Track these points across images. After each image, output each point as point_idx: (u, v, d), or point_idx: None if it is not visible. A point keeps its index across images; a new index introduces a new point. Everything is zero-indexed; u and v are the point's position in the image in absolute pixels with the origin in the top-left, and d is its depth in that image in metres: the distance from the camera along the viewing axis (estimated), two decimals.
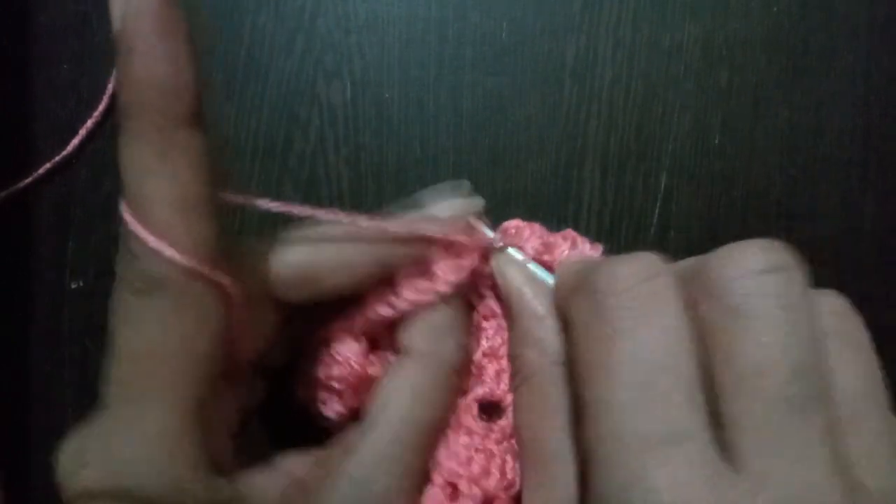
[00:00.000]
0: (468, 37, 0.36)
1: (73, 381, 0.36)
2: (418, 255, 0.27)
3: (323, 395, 0.28)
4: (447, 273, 0.27)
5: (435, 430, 0.26)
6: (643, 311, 0.20)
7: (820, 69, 0.35)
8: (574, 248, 0.29)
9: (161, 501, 0.20)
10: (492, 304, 0.29)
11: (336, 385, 0.28)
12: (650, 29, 0.36)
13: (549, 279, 0.28)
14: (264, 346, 0.26)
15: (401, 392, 0.25)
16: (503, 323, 0.29)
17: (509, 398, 0.28)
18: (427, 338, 0.26)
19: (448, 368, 0.26)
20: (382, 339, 0.29)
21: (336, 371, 0.27)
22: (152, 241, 0.20)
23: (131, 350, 0.21)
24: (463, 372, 0.27)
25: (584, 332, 0.21)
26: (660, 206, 0.35)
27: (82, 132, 0.36)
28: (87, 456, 0.21)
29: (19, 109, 0.37)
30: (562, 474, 0.23)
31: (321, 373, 0.28)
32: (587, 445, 0.20)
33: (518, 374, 0.27)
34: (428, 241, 0.27)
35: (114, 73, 0.36)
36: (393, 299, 0.27)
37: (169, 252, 0.20)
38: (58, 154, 0.36)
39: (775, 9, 0.36)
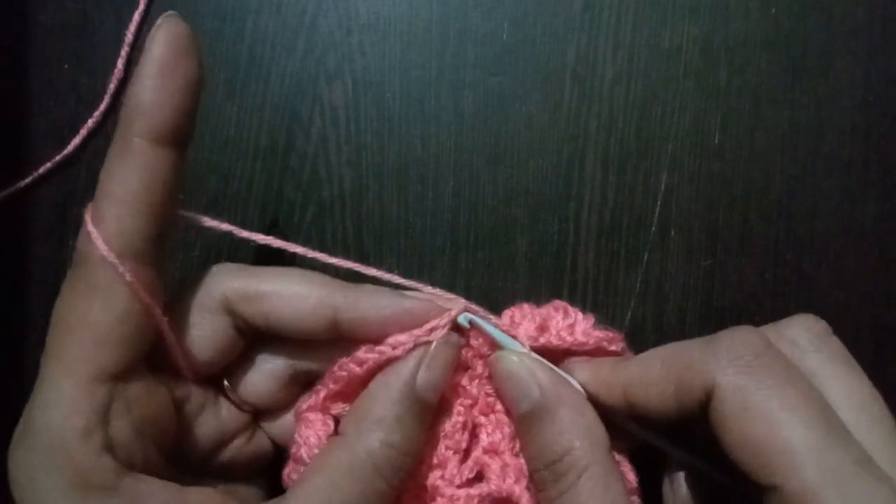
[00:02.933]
0: (469, 37, 0.36)
1: None
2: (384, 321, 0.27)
3: (292, 473, 0.28)
4: (399, 339, 0.27)
5: None
6: (785, 367, 0.24)
7: (819, 69, 0.35)
8: (567, 317, 0.29)
9: (50, 456, 0.23)
10: (490, 400, 0.29)
11: (301, 467, 0.27)
12: (650, 29, 0.36)
13: (562, 373, 0.27)
14: (218, 359, 0.28)
15: (315, 478, 0.25)
16: (503, 418, 0.28)
17: (517, 490, 0.27)
18: (354, 425, 0.26)
19: (371, 462, 0.25)
20: None
21: (300, 452, 0.27)
22: (87, 223, 0.24)
23: (53, 318, 0.24)
24: (398, 466, 0.26)
25: (745, 392, 0.23)
26: (660, 205, 0.35)
27: (82, 132, 0.36)
28: None
29: (19, 109, 0.37)
30: None
31: (291, 452, 0.28)
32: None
33: (570, 472, 0.25)
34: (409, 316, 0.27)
35: (114, 73, 0.36)
36: (343, 364, 0.27)
37: (93, 236, 0.24)
38: (58, 154, 0.36)
39: (774, 10, 0.36)
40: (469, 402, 0.29)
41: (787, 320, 0.27)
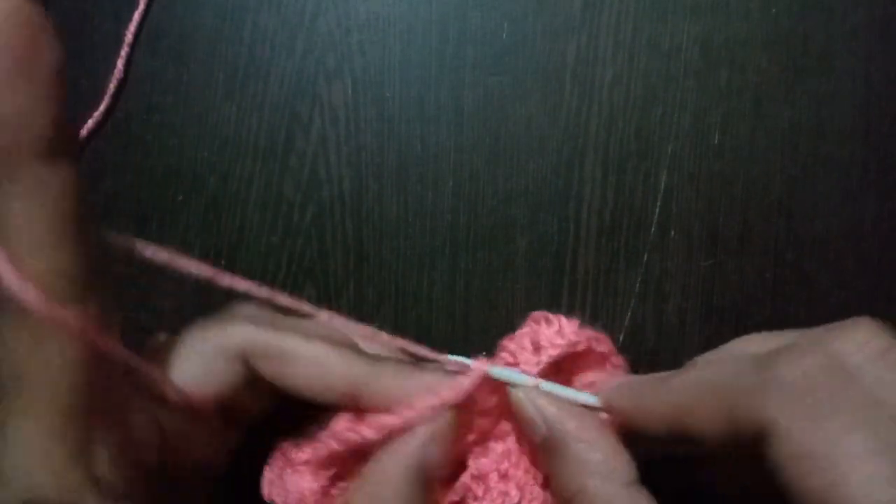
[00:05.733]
0: (469, 36, 0.36)
1: None
2: (402, 393, 0.25)
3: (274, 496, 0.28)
4: (417, 407, 0.25)
5: None
6: (852, 404, 0.20)
7: (819, 69, 0.35)
8: (551, 325, 0.27)
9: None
10: (478, 429, 0.28)
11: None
12: (650, 29, 0.36)
13: (583, 396, 0.26)
14: (219, 400, 0.26)
15: None
16: (490, 445, 0.28)
17: None
18: None
19: None
20: (352, 467, 0.27)
21: (287, 499, 0.27)
22: (2, 267, 0.19)
23: (2, 374, 0.21)
24: None
25: (807, 434, 0.20)
26: (660, 206, 0.35)
27: (82, 132, 0.36)
28: None
29: None
30: None
31: (279, 497, 0.28)
32: None
33: None
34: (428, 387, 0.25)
35: (114, 73, 0.36)
36: (353, 428, 0.26)
37: (15, 283, 0.19)
38: None
39: (774, 9, 0.36)
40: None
41: (838, 329, 0.23)
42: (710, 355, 0.27)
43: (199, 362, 0.26)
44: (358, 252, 0.36)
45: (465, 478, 0.28)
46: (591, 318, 0.35)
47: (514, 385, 0.26)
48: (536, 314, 0.28)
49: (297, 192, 0.36)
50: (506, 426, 0.28)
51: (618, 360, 0.29)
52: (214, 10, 0.36)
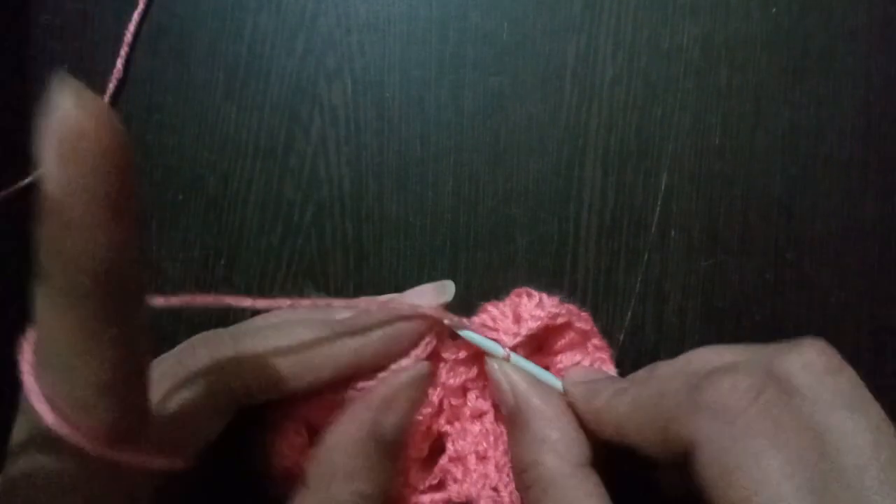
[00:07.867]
0: (469, 36, 0.36)
1: None
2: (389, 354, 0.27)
3: (274, 476, 0.28)
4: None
5: None
6: (776, 425, 0.21)
7: (819, 69, 0.35)
8: (532, 297, 0.29)
9: None
10: (455, 407, 0.28)
11: (278, 474, 0.28)
12: (650, 29, 0.36)
13: (549, 377, 0.27)
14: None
15: None
16: (469, 426, 0.28)
17: (474, 492, 0.27)
18: (320, 481, 0.25)
19: None
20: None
21: (276, 463, 0.27)
22: (52, 420, 0.19)
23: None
24: None
25: (726, 452, 0.21)
26: (660, 206, 0.35)
27: None
28: None
29: (19, 109, 0.37)
30: None
31: (271, 458, 0.28)
32: None
33: (535, 486, 0.25)
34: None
35: (113, 72, 0.36)
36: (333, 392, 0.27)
37: (64, 428, 0.19)
38: None
39: (774, 9, 0.36)
40: (429, 410, 0.28)
41: (787, 350, 0.24)
42: (667, 367, 0.27)
43: (173, 384, 0.24)
44: (358, 252, 0.36)
45: (443, 460, 0.28)
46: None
47: (487, 354, 0.28)
48: (519, 290, 0.29)
49: (297, 192, 0.36)
50: (483, 405, 0.29)
51: (600, 342, 0.30)
52: (214, 10, 0.36)
